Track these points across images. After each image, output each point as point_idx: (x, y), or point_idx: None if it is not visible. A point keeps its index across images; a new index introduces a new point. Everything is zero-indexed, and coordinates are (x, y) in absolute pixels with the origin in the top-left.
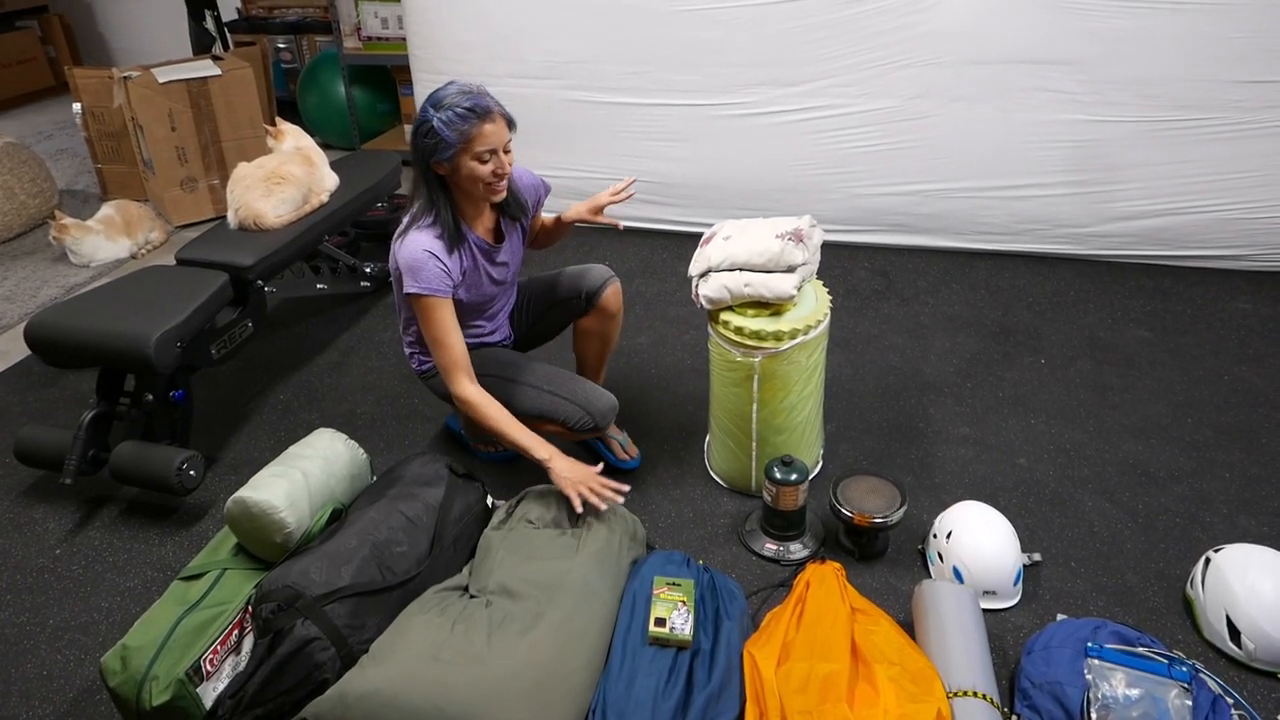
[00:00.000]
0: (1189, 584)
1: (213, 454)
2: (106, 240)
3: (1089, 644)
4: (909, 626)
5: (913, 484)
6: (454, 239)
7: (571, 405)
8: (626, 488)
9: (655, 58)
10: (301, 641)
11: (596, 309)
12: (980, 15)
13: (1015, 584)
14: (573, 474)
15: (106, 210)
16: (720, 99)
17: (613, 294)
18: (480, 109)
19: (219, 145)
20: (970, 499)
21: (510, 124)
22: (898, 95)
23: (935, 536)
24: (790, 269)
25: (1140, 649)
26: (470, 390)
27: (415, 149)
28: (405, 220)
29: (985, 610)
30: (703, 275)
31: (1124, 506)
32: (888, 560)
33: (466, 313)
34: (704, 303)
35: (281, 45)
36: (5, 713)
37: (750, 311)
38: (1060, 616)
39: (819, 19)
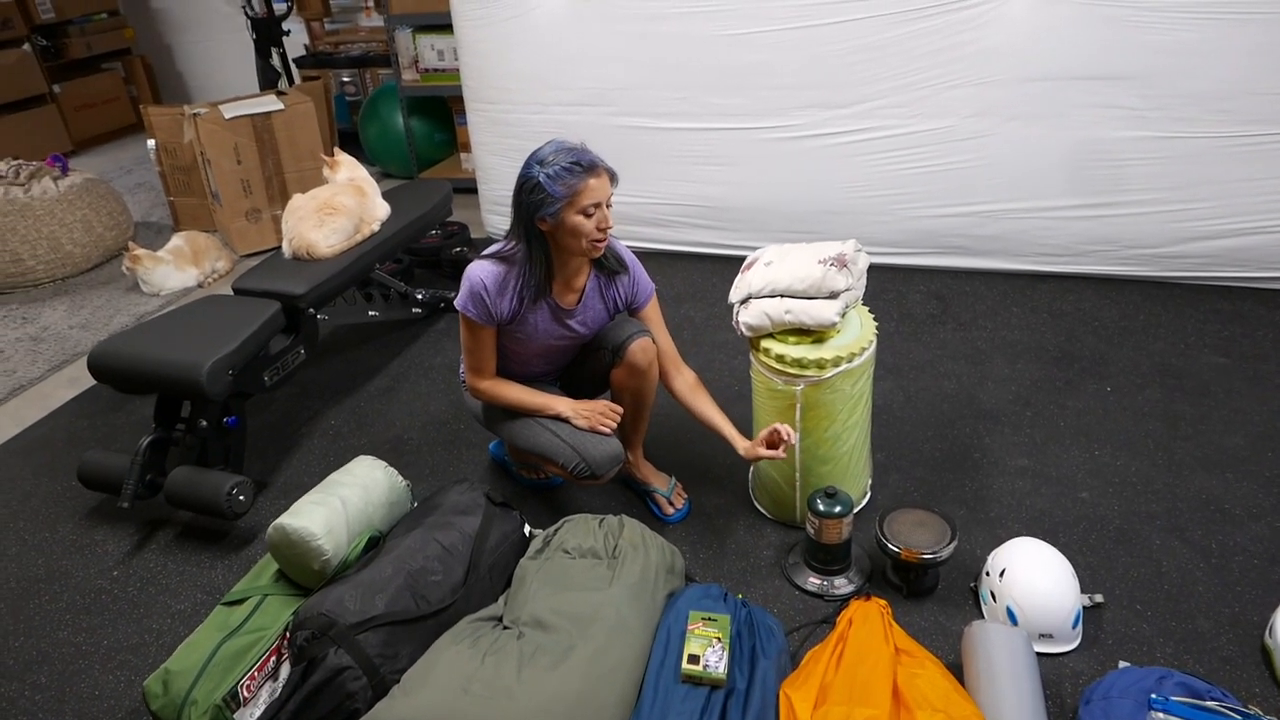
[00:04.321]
0: (1268, 632)
1: (265, 479)
2: (175, 270)
3: (1153, 695)
4: (958, 670)
5: (966, 517)
6: (535, 296)
7: (568, 449)
8: (617, 418)
9: (702, 82)
10: (334, 670)
11: (623, 362)
12: (1035, 32)
13: (1074, 627)
14: (585, 412)
15: (176, 241)
16: (768, 122)
17: (639, 348)
18: (585, 163)
19: (281, 177)
20: (1027, 534)
21: (613, 178)
22: (952, 115)
23: (988, 574)
24: (833, 295)
25: (1210, 703)
26: (484, 381)
27: (519, 205)
28: (494, 248)
29: (1041, 654)
30: (743, 302)
31: (1196, 546)
32: (937, 598)
33: (511, 347)
34: (744, 330)
35: (346, 79)
36: None
37: (792, 339)
38: (1123, 664)
39: (868, 40)
